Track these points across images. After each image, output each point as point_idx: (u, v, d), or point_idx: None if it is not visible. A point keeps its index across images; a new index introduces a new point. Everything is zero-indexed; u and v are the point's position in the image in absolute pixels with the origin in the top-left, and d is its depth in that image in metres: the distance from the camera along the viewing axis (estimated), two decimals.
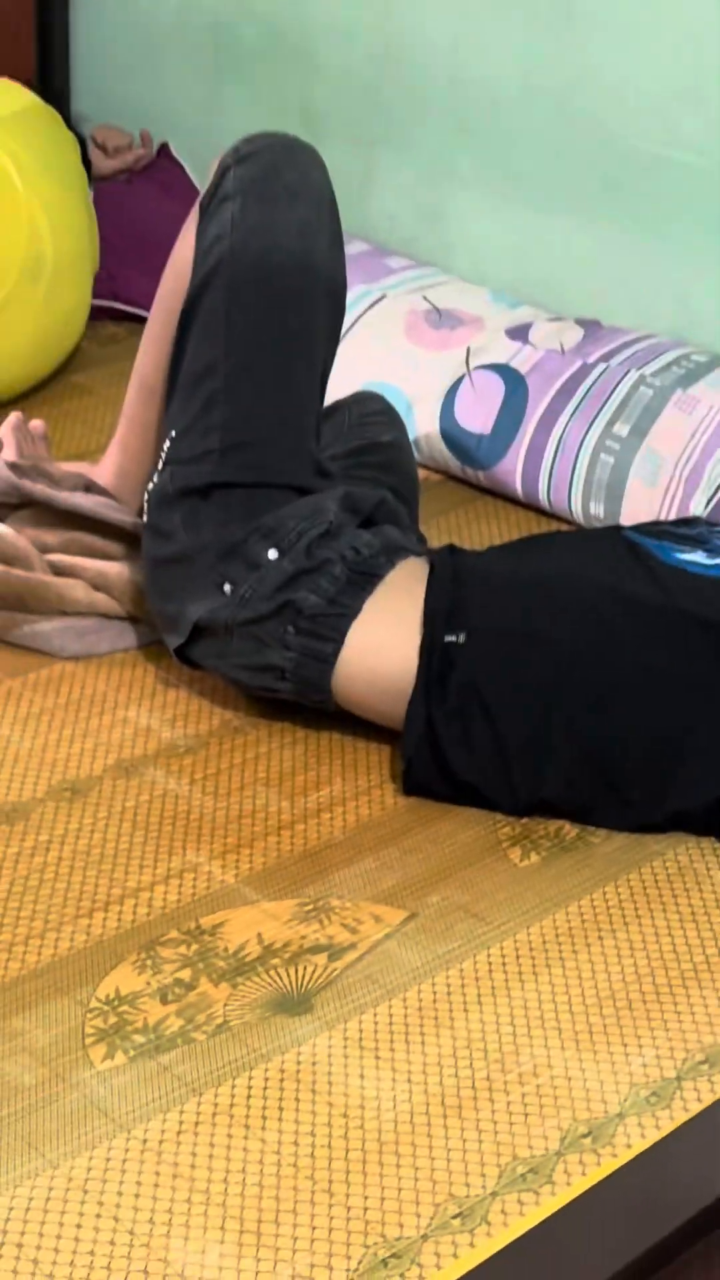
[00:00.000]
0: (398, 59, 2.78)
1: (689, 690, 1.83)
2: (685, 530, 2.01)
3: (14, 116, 2.68)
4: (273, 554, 1.89)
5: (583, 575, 1.91)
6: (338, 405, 2.30)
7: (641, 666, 1.84)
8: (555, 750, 1.84)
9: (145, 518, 2.01)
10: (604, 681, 1.84)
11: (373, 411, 2.35)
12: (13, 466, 2.16)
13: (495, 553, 2.02)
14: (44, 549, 2.13)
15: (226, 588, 1.90)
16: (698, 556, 1.93)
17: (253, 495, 1.93)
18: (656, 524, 2.09)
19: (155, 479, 1.99)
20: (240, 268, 1.93)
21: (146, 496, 2.01)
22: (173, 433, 1.98)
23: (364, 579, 1.89)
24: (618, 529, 2.04)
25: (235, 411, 1.94)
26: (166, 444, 1.99)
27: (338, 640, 1.87)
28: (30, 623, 2.08)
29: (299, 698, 1.94)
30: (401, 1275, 1.35)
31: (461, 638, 1.85)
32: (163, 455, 1.99)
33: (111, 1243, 1.36)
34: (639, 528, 2.03)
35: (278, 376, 1.97)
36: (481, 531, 2.45)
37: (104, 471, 2.24)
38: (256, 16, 2.94)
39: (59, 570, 2.12)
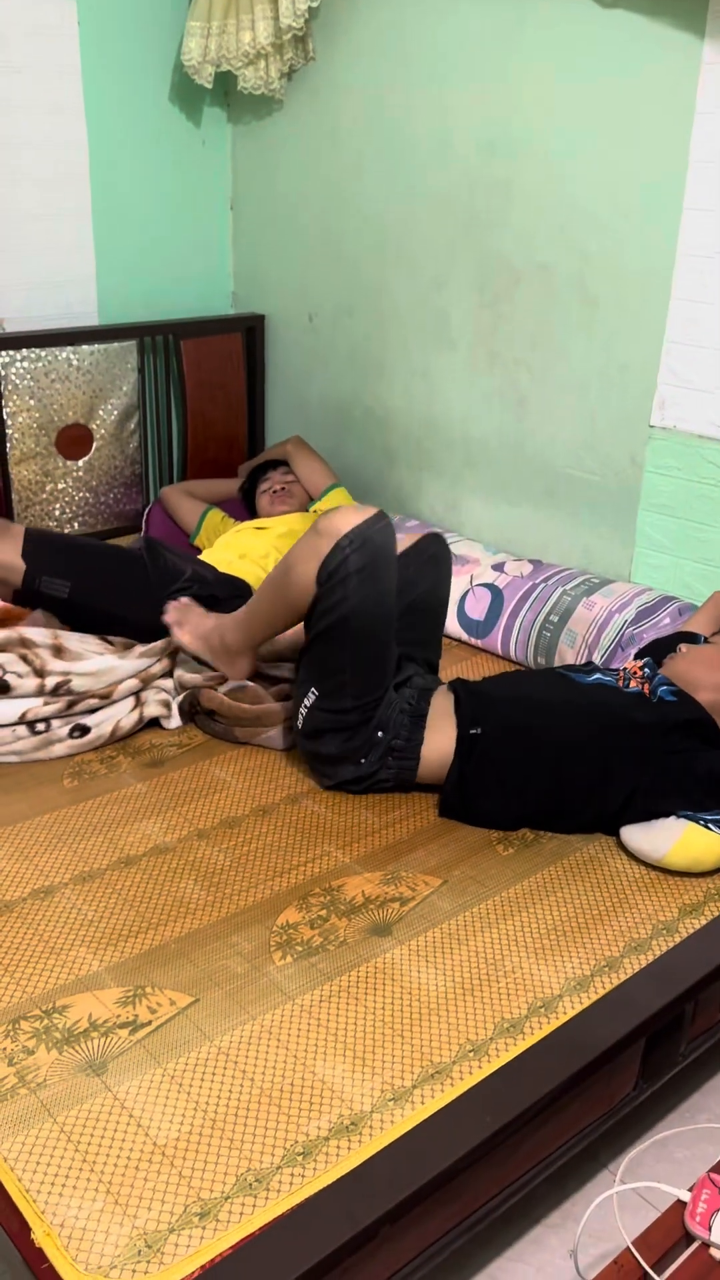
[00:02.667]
0: (433, 425, 2.79)
1: (604, 750, 1.79)
2: (585, 667, 2.00)
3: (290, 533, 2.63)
4: (380, 734, 1.84)
5: (539, 693, 1.89)
6: (411, 547, 2.13)
7: (576, 739, 1.80)
8: (531, 791, 1.81)
9: (302, 740, 1.91)
10: (558, 751, 1.80)
11: (427, 556, 2.15)
12: None
13: (489, 681, 1.98)
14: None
15: (362, 761, 1.85)
16: (596, 677, 1.93)
17: (366, 721, 1.83)
18: (571, 666, 2.05)
19: (303, 718, 1.87)
20: (357, 618, 1.76)
21: (300, 722, 1.88)
22: (314, 691, 1.84)
23: (418, 719, 1.85)
24: (553, 669, 2.02)
25: (359, 689, 1.82)
26: (310, 698, 1.84)
27: (416, 758, 1.84)
28: (264, 732, 2.05)
29: (398, 789, 1.90)
30: (441, 1084, 1.33)
31: (479, 730, 1.82)
32: (306, 705, 1.85)
33: (284, 1062, 1.35)
34: (564, 667, 2.01)
35: (374, 671, 1.83)
36: (480, 671, 2.44)
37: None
38: (359, 403, 2.97)
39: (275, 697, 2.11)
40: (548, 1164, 1.42)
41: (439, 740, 1.84)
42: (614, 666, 2.20)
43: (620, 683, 1.90)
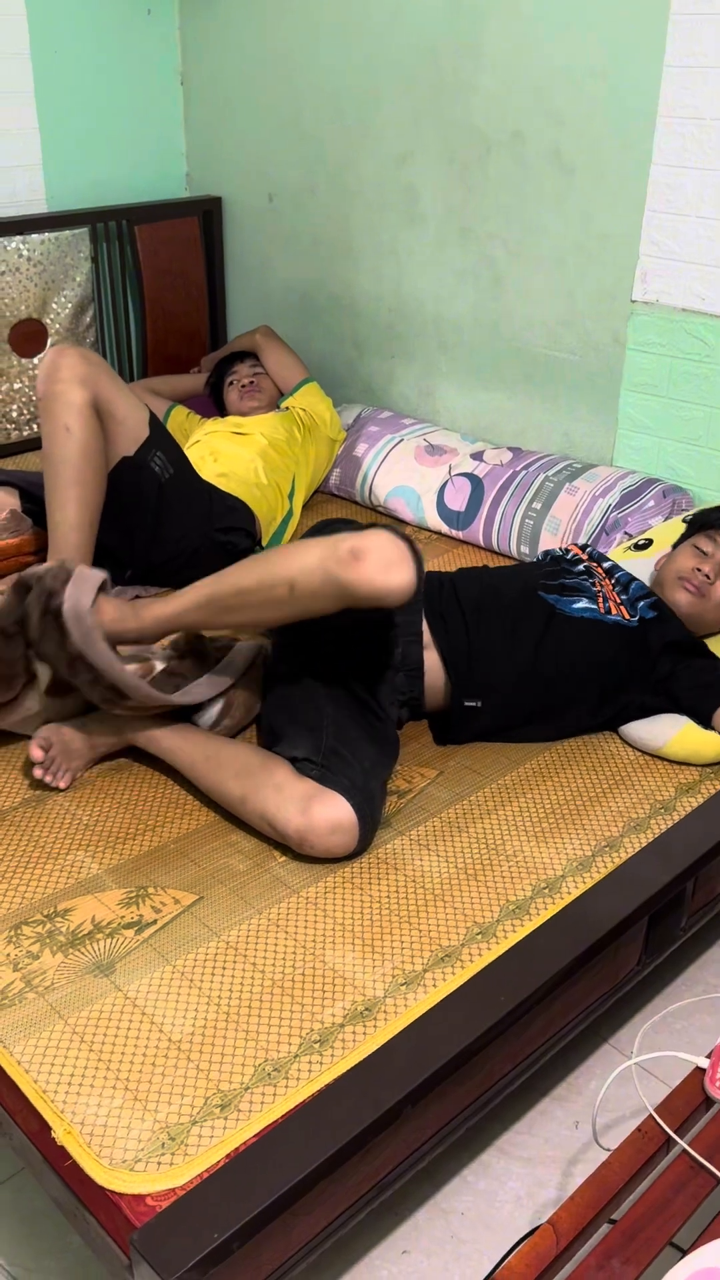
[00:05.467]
0: (403, 309, 2.70)
1: (603, 700, 1.74)
2: (571, 580, 1.81)
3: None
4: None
5: (528, 637, 1.71)
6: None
7: (574, 703, 1.73)
8: (528, 734, 1.76)
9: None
10: (556, 713, 1.74)
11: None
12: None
13: (468, 616, 1.73)
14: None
15: None
16: (583, 603, 1.75)
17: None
18: (556, 562, 1.87)
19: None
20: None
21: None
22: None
23: (415, 673, 1.71)
24: (533, 589, 1.77)
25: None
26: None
27: (421, 712, 1.75)
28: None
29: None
30: (452, 966, 1.33)
31: (479, 704, 1.70)
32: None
33: (293, 952, 1.34)
34: (550, 580, 1.81)
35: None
36: (461, 564, 2.40)
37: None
38: (324, 289, 2.87)
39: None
40: (557, 1040, 1.43)
41: (434, 696, 1.74)
42: (601, 548, 2.17)
43: (600, 608, 1.76)
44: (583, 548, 1.93)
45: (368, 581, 1.39)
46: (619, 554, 2.06)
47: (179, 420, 2.73)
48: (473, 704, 1.71)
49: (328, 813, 1.44)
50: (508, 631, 1.73)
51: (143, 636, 1.60)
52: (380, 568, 1.38)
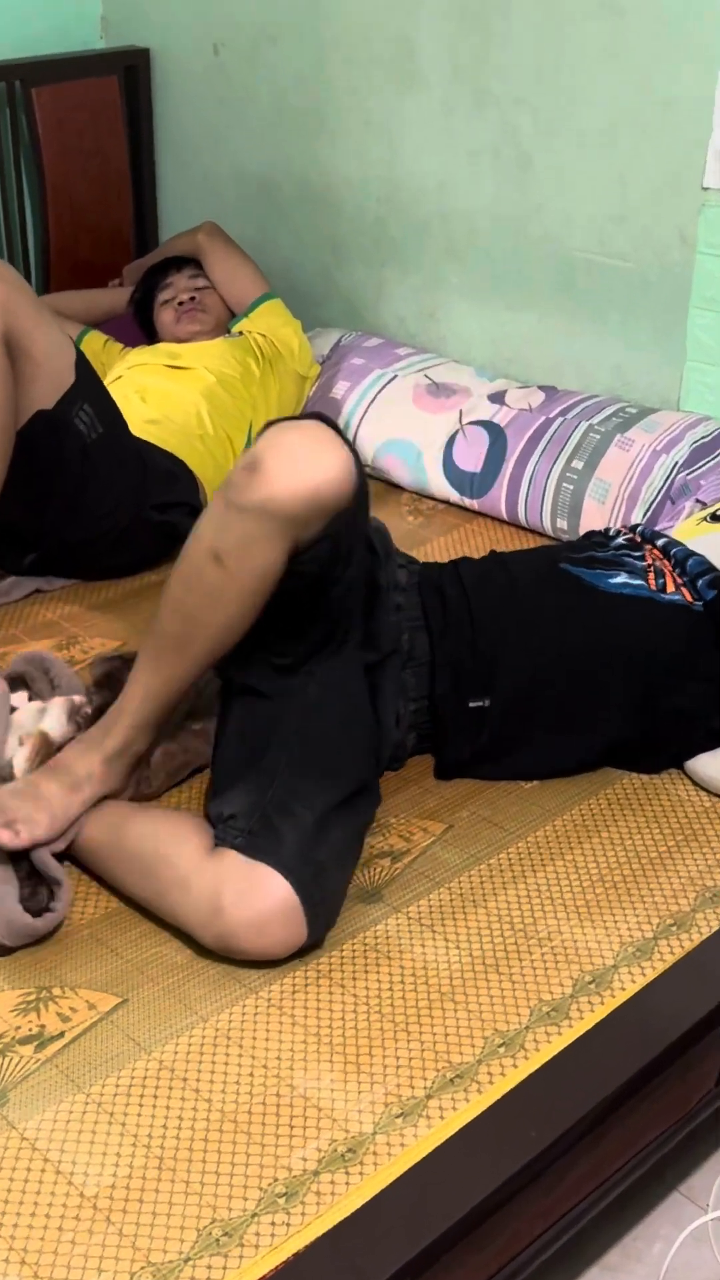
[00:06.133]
0: (398, 200, 2.74)
1: (649, 698, 1.76)
2: (604, 553, 1.86)
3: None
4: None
5: (549, 623, 1.76)
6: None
7: (608, 696, 1.75)
8: (552, 753, 1.79)
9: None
10: (587, 712, 1.76)
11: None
12: None
13: (476, 596, 1.78)
14: None
15: None
16: (622, 578, 1.80)
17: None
18: (589, 538, 1.94)
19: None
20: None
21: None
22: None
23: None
24: (559, 566, 1.83)
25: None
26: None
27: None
28: None
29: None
30: (465, 1091, 1.35)
31: (486, 702, 1.73)
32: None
33: (250, 1074, 1.36)
34: (569, 558, 1.85)
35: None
36: (474, 544, 2.42)
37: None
38: (291, 173, 2.90)
39: None
40: (606, 1190, 1.44)
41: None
42: (661, 526, 2.18)
43: (650, 583, 1.80)
44: (633, 529, 1.96)
45: (284, 490, 1.36)
46: (689, 527, 2.07)
47: (94, 349, 2.74)
48: (478, 703, 1.74)
49: (250, 905, 1.41)
50: (521, 610, 1.77)
51: (111, 780, 1.62)
52: (290, 467, 1.36)
